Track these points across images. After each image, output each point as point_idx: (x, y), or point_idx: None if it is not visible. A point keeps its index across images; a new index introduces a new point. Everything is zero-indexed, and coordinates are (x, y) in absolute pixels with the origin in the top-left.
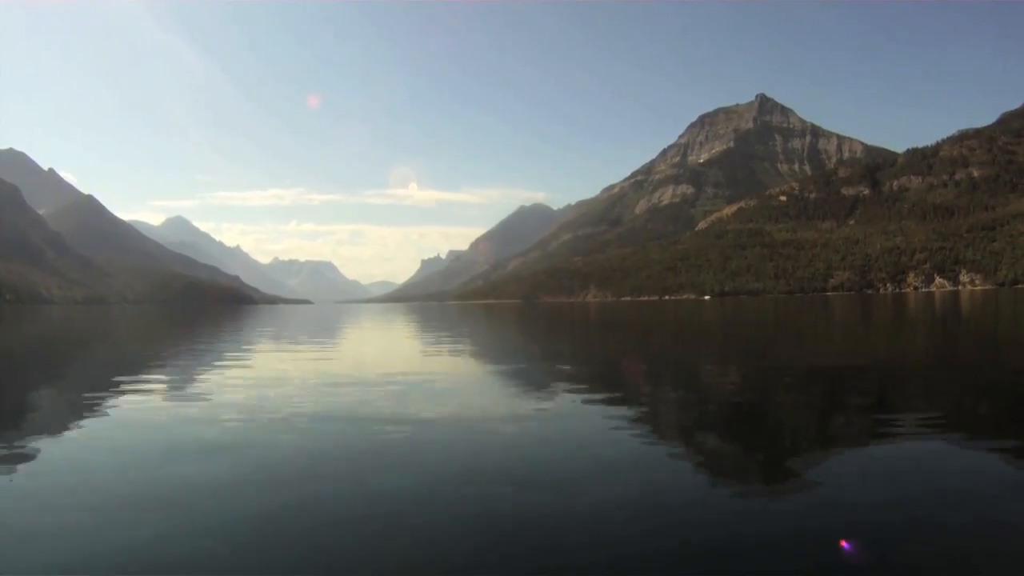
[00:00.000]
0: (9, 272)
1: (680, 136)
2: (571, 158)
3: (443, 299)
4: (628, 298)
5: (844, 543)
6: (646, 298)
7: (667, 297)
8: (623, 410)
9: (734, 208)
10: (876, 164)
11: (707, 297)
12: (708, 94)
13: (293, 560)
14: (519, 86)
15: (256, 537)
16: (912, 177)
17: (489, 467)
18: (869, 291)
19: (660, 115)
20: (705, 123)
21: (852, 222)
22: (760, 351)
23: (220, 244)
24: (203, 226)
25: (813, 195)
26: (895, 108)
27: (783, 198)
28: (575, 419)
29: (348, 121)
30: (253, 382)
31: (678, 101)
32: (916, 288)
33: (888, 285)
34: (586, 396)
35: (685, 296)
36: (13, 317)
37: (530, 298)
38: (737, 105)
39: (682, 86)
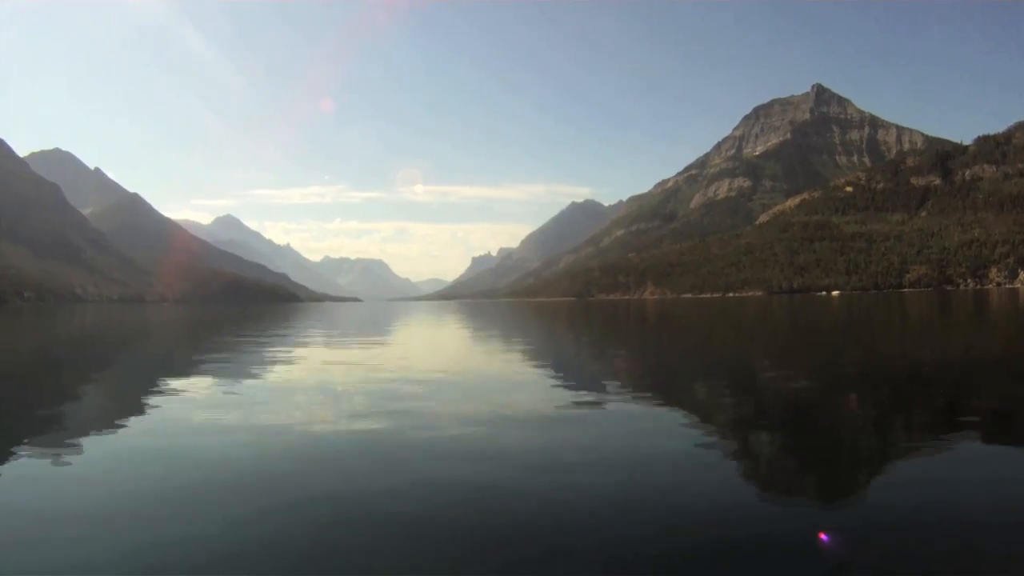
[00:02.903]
0: (41, 270)
1: (734, 128)
2: (616, 153)
3: (494, 297)
4: (688, 295)
5: (823, 535)
6: (708, 295)
7: (731, 294)
8: (680, 412)
9: (797, 200)
10: (946, 152)
11: (836, 293)
12: (761, 85)
13: (317, 557)
14: (561, 80)
15: (285, 534)
16: (985, 166)
17: (519, 467)
18: (949, 287)
19: (711, 109)
20: (760, 115)
21: (924, 213)
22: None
23: (270, 243)
24: (250, 225)
25: (881, 185)
26: (954, 99)
27: (849, 189)
28: (630, 420)
29: (387, 117)
30: (283, 381)
31: (729, 94)
32: (999, 284)
33: (969, 280)
34: (641, 398)
35: (751, 293)
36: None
37: (584, 295)
38: (792, 96)
39: (733, 78)
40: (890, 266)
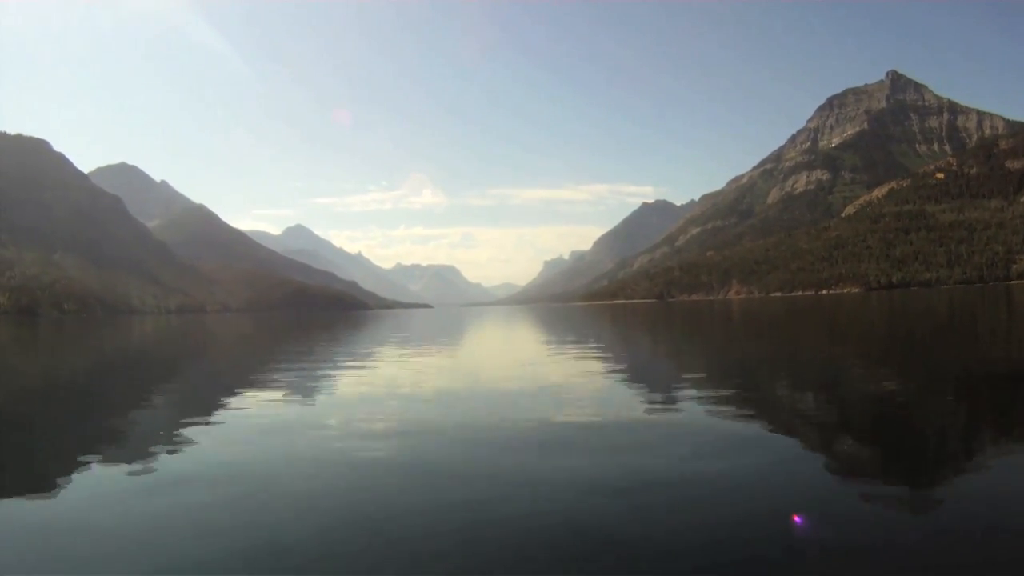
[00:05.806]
0: (97, 281)
1: (809, 120)
2: (681, 150)
3: (567, 300)
4: (778, 294)
5: (796, 518)
6: (800, 293)
7: (824, 292)
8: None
9: (885, 189)
10: None
11: None
12: (833, 75)
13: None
14: (622, 77)
15: (344, 545)
16: None
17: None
18: None
19: (782, 101)
20: (834, 105)
21: (1023, 199)
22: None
23: (341, 251)
24: (318, 234)
25: (974, 170)
26: None
27: (940, 175)
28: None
29: (447, 118)
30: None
31: (800, 85)
32: None
33: None
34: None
35: (847, 289)
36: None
37: (664, 296)
38: (867, 85)
39: (804, 69)
40: (995, 256)
